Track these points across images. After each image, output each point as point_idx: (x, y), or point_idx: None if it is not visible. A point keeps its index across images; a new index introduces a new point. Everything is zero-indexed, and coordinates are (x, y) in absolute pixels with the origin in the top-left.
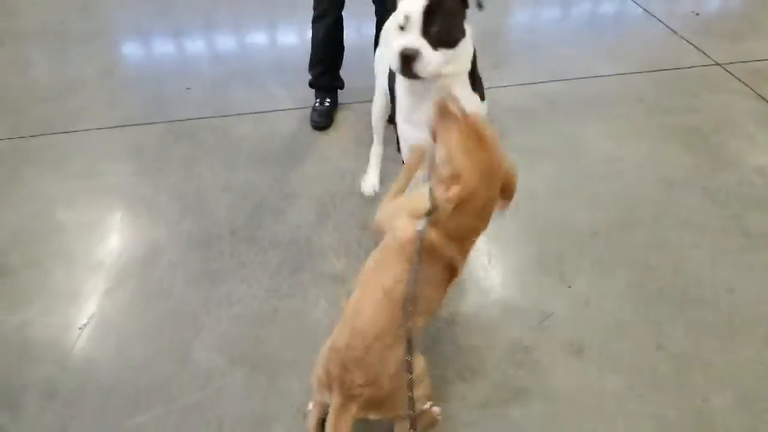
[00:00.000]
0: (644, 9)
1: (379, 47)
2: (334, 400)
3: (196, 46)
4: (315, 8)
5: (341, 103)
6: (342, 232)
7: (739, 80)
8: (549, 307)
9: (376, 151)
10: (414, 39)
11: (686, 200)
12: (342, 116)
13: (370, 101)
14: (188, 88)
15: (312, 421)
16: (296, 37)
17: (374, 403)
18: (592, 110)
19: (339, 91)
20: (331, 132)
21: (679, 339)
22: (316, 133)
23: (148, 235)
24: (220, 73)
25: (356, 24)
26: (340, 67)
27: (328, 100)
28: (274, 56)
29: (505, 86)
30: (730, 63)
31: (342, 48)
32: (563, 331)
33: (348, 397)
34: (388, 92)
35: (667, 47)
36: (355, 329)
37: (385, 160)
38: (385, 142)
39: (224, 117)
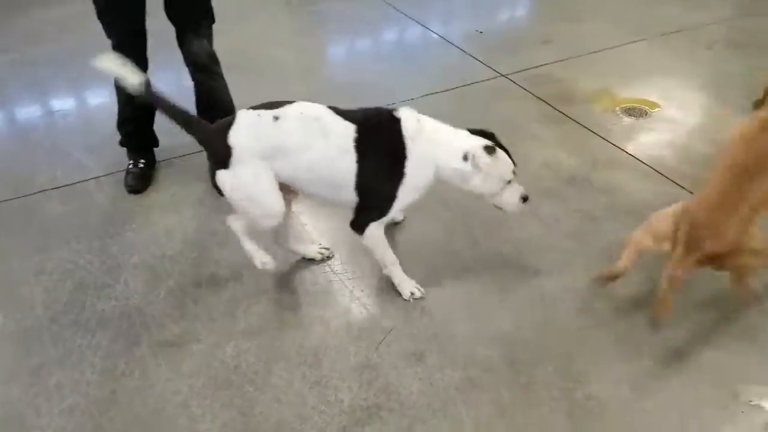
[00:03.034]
0: (439, 35)
1: (239, 165)
2: (677, 251)
3: None
4: None
5: (160, 160)
6: (176, 295)
7: (521, 87)
8: (389, 322)
9: (244, 235)
10: None
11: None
12: (162, 174)
13: (192, 154)
14: None
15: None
16: (101, 96)
17: (711, 259)
18: None
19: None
20: (151, 193)
21: (501, 325)
22: (135, 196)
23: None
24: (15, 148)
25: (174, 76)
26: (152, 124)
27: (143, 160)
28: (79, 120)
29: None
30: (513, 73)
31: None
32: (404, 343)
33: (690, 250)
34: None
35: (461, 66)
36: (704, 196)
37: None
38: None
39: (27, 197)
